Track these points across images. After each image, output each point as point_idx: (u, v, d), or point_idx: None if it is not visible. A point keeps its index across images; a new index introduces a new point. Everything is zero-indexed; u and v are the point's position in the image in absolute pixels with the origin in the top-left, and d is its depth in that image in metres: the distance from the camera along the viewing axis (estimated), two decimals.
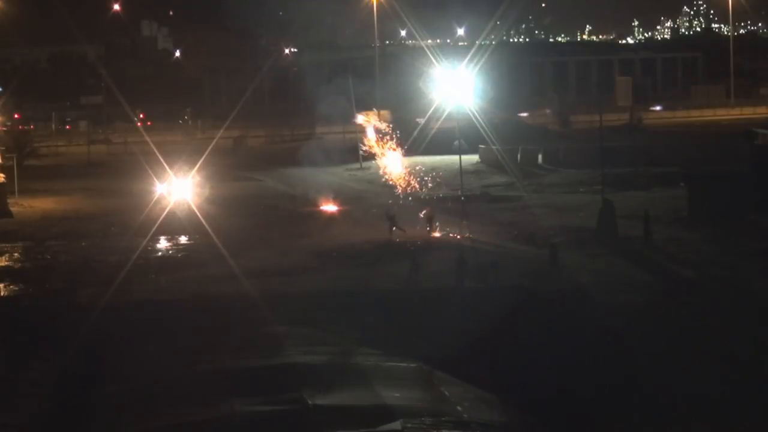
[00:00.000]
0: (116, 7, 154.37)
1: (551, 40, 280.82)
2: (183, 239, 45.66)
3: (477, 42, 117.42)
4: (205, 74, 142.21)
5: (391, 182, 53.26)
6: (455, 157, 57.13)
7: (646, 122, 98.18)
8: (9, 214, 54.73)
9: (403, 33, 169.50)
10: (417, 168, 55.73)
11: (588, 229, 44.25)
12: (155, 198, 51.29)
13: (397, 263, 39.28)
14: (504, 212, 51.60)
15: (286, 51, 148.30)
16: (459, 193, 51.49)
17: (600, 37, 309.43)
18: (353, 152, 75.57)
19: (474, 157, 71.81)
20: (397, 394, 22.83)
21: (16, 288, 37.53)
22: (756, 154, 50.06)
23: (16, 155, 68.42)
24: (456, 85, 53.25)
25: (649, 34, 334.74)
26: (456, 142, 60.56)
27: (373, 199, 56.11)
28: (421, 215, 45.79)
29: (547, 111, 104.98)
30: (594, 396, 25.00)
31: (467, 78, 54.80)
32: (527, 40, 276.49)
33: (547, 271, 36.96)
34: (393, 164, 53.63)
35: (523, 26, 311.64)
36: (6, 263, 42.38)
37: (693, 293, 34.03)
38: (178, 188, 50.68)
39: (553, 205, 53.08)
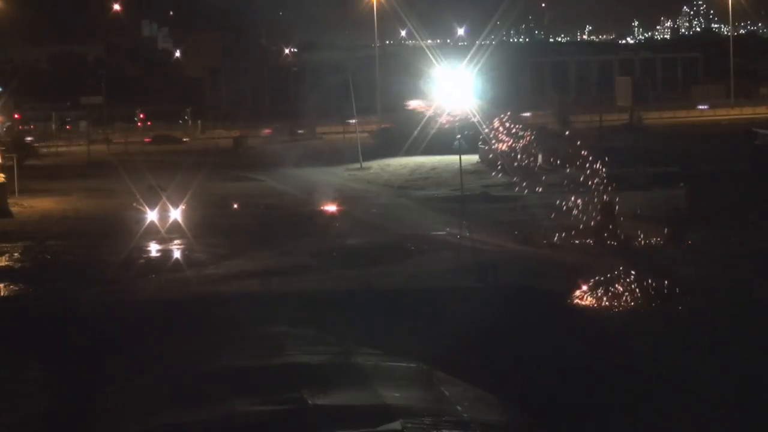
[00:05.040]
0: (116, 7, 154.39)
1: (551, 40, 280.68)
2: (183, 239, 45.61)
3: (477, 42, 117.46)
4: (205, 74, 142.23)
5: None
6: (455, 157, 57.10)
7: (646, 122, 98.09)
8: (9, 214, 54.71)
9: (403, 33, 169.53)
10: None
11: (587, 229, 44.21)
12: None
13: (397, 263, 39.29)
14: (504, 212, 51.55)
15: (286, 51, 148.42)
16: (459, 193, 51.46)
17: (600, 37, 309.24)
18: (353, 152, 75.84)
19: (474, 157, 71.79)
20: (397, 394, 22.82)
21: (16, 288, 37.52)
22: (756, 154, 50.06)
23: (16, 155, 68.38)
24: (456, 85, 53.28)
25: (649, 34, 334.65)
26: (456, 142, 60.56)
27: (374, 199, 56.08)
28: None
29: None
30: (594, 395, 25.00)
31: (467, 78, 54.82)
32: (527, 40, 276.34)
33: (547, 270, 36.97)
34: None
35: (523, 26, 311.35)
36: (6, 263, 42.36)
37: (693, 292, 34.00)
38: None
39: (552, 205, 53.01)
